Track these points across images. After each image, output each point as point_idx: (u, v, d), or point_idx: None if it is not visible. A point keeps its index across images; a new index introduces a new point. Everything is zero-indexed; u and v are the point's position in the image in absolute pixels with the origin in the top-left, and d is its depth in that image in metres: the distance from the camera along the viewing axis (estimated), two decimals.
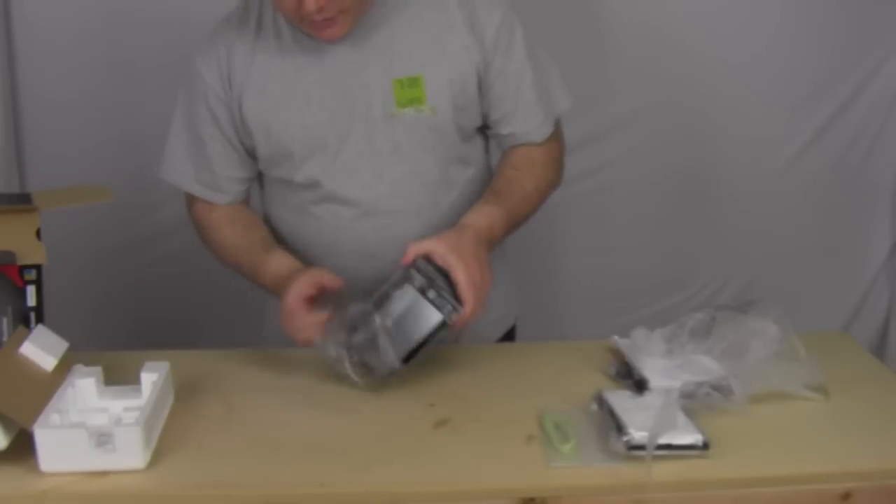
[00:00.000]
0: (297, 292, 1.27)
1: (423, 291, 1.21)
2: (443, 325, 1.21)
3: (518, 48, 1.39)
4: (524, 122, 1.42)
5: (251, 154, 1.43)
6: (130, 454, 1.04)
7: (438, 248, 1.22)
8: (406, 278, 1.22)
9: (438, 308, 1.21)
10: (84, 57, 2.03)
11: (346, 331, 1.22)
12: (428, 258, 1.23)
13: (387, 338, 1.20)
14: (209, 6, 1.49)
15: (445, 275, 1.22)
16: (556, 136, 1.47)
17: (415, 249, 1.23)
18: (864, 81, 2.16)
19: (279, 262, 1.37)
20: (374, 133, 1.36)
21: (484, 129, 1.47)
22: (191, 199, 1.49)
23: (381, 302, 1.23)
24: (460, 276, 1.21)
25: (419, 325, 1.22)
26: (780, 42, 2.11)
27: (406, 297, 1.22)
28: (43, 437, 1.03)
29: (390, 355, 1.21)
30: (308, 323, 1.25)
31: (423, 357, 1.24)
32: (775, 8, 2.09)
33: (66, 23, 2.01)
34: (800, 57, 2.13)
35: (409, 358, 1.22)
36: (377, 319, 1.21)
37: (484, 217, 1.32)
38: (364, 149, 1.36)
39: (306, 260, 1.41)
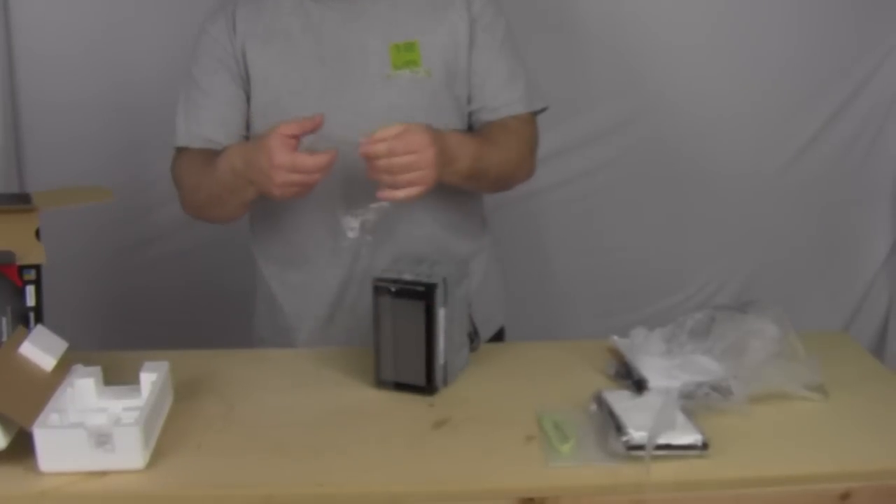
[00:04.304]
0: (281, 132, 1.22)
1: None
2: None
3: (498, 29, 1.46)
4: (493, 98, 1.46)
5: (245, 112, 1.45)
6: (130, 454, 1.04)
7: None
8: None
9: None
10: (84, 58, 2.03)
11: None
12: None
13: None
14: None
15: None
16: (531, 126, 1.49)
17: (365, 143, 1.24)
18: (864, 81, 2.16)
19: (238, 144, 1.32)
20: (371, 93, 1.40)
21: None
22: (174, 158, 1.47)
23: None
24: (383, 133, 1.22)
25: None
26: (780, 42, 2.11)
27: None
28: (42, 437, 1.03)
29: None
30: (299, 164, 1.21)
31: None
32: (774, 8, 2.09)
33: (66, 23, 2.02)
34: (799, 56, 2.12)
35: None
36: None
37: (455, 134, 1.34)
38: (360, 108, 1.39)
39: (291, 227, 1.42)
